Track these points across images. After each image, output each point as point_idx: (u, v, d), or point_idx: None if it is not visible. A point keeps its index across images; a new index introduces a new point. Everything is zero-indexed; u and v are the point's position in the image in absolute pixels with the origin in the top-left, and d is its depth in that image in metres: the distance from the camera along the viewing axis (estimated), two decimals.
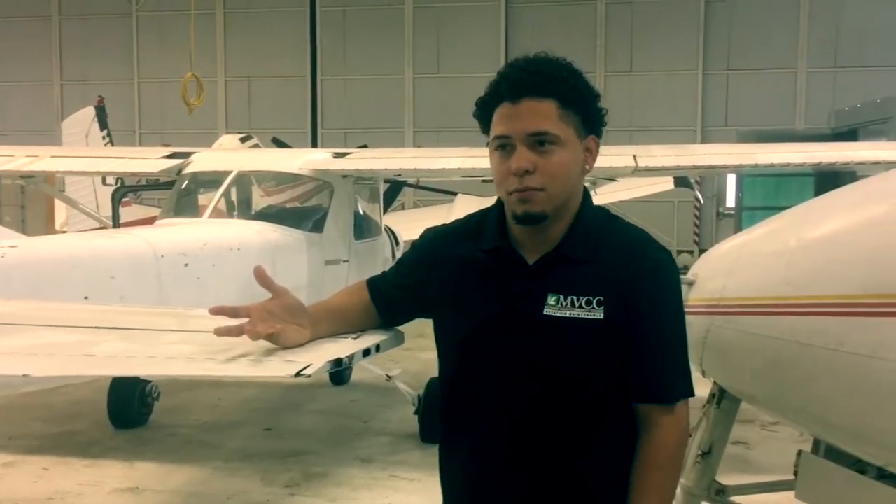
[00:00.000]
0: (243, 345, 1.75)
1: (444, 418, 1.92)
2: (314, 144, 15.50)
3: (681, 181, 12.61)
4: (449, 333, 1.88)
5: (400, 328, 2.04)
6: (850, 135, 13.90)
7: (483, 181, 12.55)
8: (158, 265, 4.43)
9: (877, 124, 13.04)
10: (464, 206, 12.72)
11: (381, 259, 7.13)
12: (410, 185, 11.53)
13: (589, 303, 1.72)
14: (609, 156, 5.47)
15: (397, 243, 8.01)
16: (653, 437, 1.76)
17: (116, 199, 8.57)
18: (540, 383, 1.75)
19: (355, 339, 1.89)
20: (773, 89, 17.65)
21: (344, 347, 1.79)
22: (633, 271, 1.75)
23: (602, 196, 9.54)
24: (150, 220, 6.98)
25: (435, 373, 2.00)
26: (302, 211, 6.29)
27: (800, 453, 2.37)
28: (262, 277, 1.79)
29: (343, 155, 6.22)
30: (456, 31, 18.96)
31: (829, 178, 15.01)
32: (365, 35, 19.29)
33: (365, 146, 9.87)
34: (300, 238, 5.75)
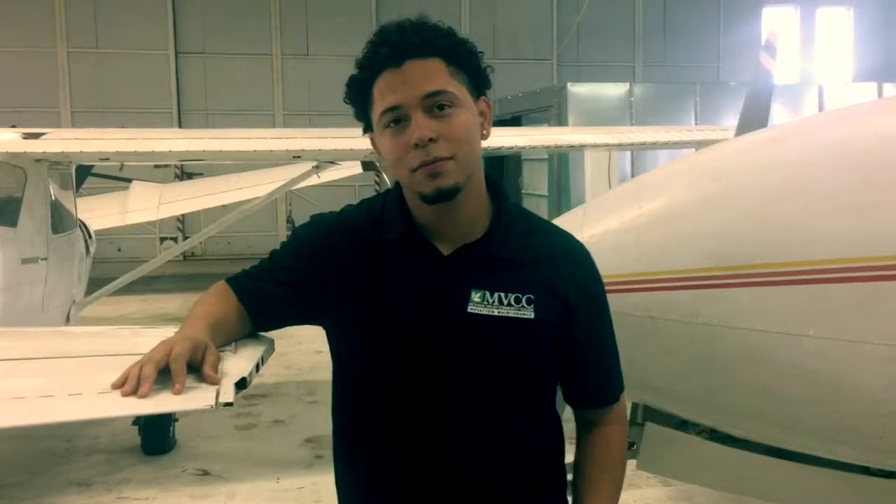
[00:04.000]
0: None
1: (347, 427, 1.68)
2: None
3: (368, 165, 12.85)
4: (354, 334, 1.63)
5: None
6: (514, 121, 15.20)
7: (156, 167, 11.77)
8: None
9: (538, 112, 14.40)
10: (140, 194, 11.79)
11: (77, 255, 6.29)
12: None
13: (518, 300, 1.56)
14: (347, 138, 5.34)
15: (90, 236, 7.14)
16: (603, 434, 1.69)
17: None
18: (465, 385, 1.58)
19: (235, 353, 1.57)
20: None
21: (238, 365, 1.48)
22: (569, 274, 1.63)
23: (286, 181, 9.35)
24: None
25: None
26: None
27: (643, 425, 2.46)
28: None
29: (37, 136, 5.33)
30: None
31: (495, 161, 16.34)
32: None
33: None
34: None
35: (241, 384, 1.39)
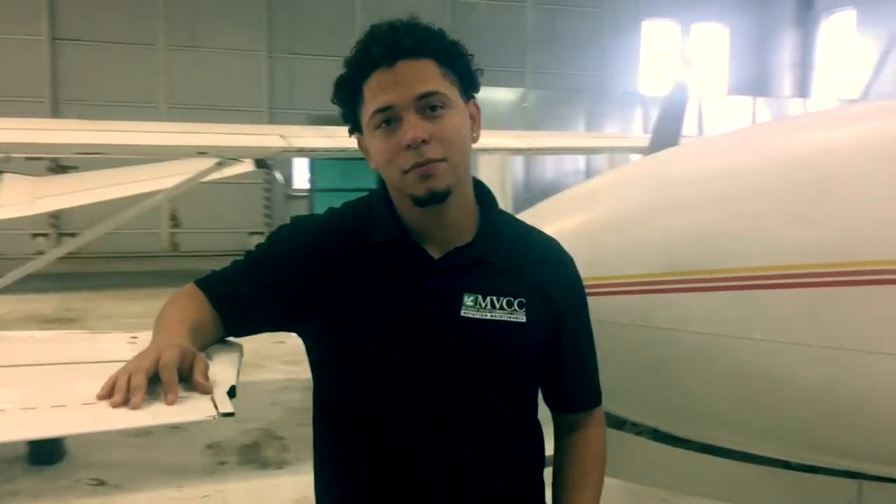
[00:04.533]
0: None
1: (332, 437, 1.63)
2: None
3: (261, 163, 12.57)
4: (342, 341, 1.57)
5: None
6: None
7: (27, 159, 11.13)
8: None
9: None
10: (12, 187, 11.09)
11: None
12: None
13: (510, 304, 1.57)
14: (256, 135, 5.21)
15: None
16: (585, 437, 1.71)
17: None
18: (458, 389, 1.56)
19: (211, 359, 1.49)
20: (331, 76, 18.38)
21: (221, 372, 1.40)
22: (558, 279, 1.65)
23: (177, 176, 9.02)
24: None
25: None
26: None
27: None
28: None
29: None
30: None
31: None
32: None
33: None
34: None
35: (232, 392, 1.33)
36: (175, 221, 17.03)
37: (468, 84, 1.58)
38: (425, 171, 1.49)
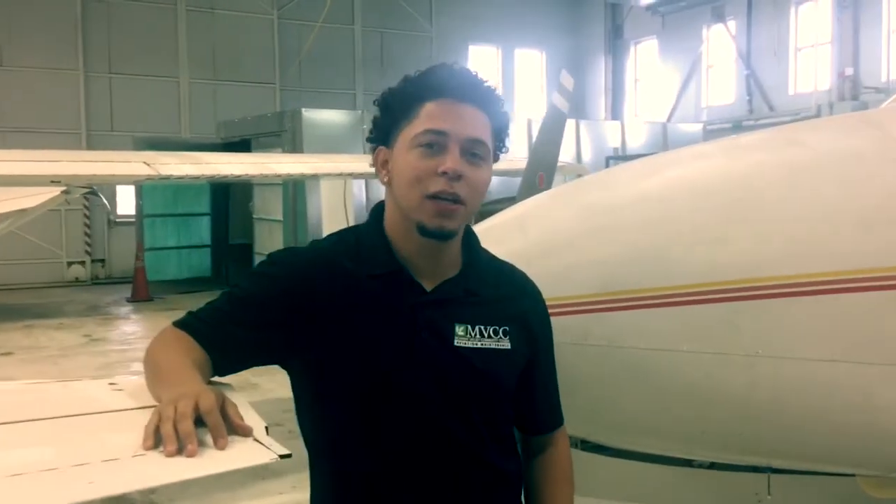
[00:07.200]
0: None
1: (332, 467, 1.63)
2: None
3: (89, 189, 11.88)
4: (338, 375, 1.58)
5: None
6: (243, 145, 14.87)
7: None
8: None
9: (268, 136, 14.22)
10: None
11: None
12: None
13: (496, 332, 1.66)
14: (118, 162, 4.96)
15: None
16: (555, 454, 1.83)
17: None
18: (451, 417, 1.61)
19: None
20: (157, 97, 17.66)
21: (245, 414, 1.37)
22: (533, 308, 1.77)
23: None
24: None
25: None
26: None
27: None
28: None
29: None
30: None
31: (221, 186, 15.83)
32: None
33: None
34: None
35: (267, 432, 1.31)
36: None
37: (499, 147, 1.67)
38: (446, 209, 1.55)
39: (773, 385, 2.25)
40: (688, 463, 2.76)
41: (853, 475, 2.51)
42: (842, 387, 2.25)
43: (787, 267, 2.24)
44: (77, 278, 16.91)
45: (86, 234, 17.16)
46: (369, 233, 1.67)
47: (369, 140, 1.69)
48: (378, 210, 1.70)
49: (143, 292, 14.18)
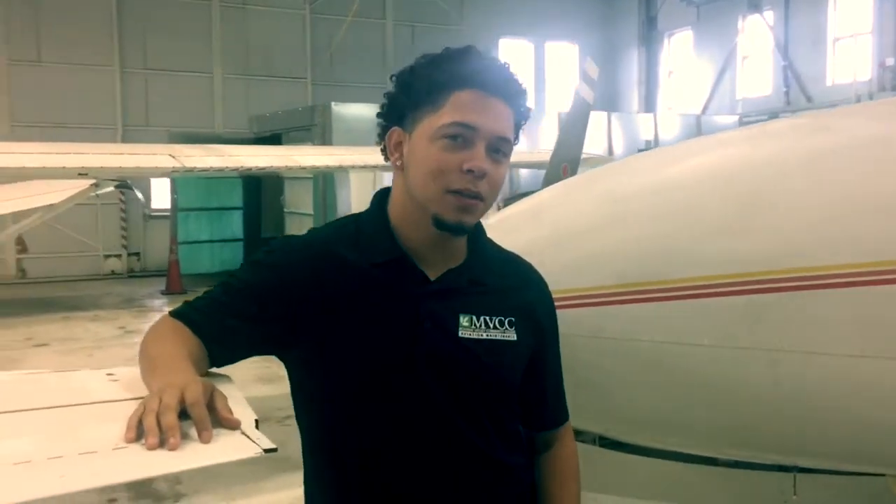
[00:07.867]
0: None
1: (331, 463, 1.58)
2: None
3: (122, 183, 12.01)
4: (339, 367, 1.54)
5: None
6: (274, 139, 14.95)
7: None
8: None
9: (299, 130, 14.27)
10: None
11: None
12: None
13: (502, 323, 1.60)
14: (144, 155, 4.98)
15: None
16: (563, 450, 1.76)
17: None
18: (455, 409, 1.55)
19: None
20: (191, 92, 17.80)
21: (236, 406, 1.33)
22: (540, 300, 1.70)
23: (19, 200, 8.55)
24: None
25: None
26: None
27: None
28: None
29: None
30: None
31: (253, 180, 15.93)
32: None
33: None
34: None
35: (256, 426, 1.27)
36: (22, 246, 15.93)
37: (514, 140, 1.61)
38: (467, 204, 1.50)
39: (798, 381, 2.17)
40: (712, 461, 2.68)
41: (883, 475, 2.42)
42: (871, 383, 2.15)
43: (814, 258, 2.16)
44: (113, 271, 17.13)
45: (122, 227, 17.37)
46: (371, 220, 1.62)
47: (380, 116, 1.60)
48: (380, 196, 1.65)
49: (177, 285, 14.32)
